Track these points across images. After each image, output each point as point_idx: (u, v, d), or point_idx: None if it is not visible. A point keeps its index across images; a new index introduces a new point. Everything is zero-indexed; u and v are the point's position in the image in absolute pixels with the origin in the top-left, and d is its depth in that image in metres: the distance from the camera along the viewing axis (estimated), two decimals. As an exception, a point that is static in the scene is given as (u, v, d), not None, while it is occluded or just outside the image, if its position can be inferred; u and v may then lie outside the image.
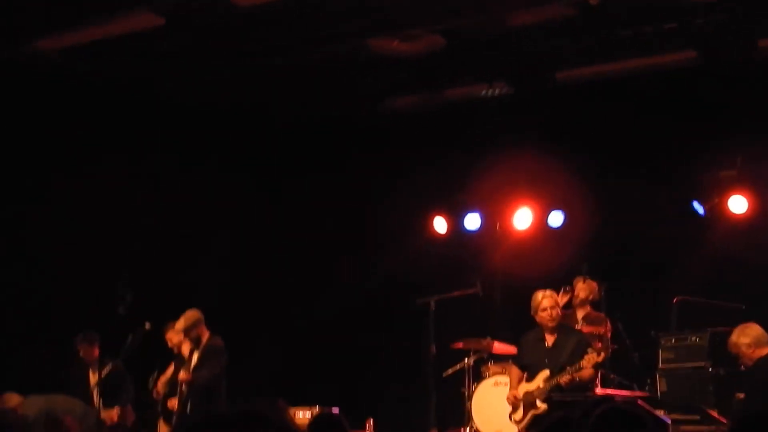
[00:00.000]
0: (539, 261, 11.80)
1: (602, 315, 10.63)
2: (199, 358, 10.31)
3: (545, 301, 9.81)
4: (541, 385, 9.66)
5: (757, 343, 8.96)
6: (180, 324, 10.36)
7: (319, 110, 12.86)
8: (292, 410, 10.23)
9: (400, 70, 12.00)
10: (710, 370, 10.18)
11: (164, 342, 10.97)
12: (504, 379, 10.74)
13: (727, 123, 11.05)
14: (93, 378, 10.91)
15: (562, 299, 10.73)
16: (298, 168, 13.35)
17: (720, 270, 11.06)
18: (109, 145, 11.89)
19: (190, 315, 10.36)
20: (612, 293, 10.77)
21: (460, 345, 11.57)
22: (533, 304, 9.87)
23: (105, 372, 10.57)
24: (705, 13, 10.34)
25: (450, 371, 11.67)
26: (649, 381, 10.64)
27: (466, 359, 11.48)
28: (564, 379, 9.50)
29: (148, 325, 10.41)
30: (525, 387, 9.85)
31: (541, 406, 9.58)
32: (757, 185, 11.21)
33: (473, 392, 11.19)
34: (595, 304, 10.96)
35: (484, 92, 12.16)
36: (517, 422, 9.86)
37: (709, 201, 11.43)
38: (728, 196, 11.29)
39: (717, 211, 11.41)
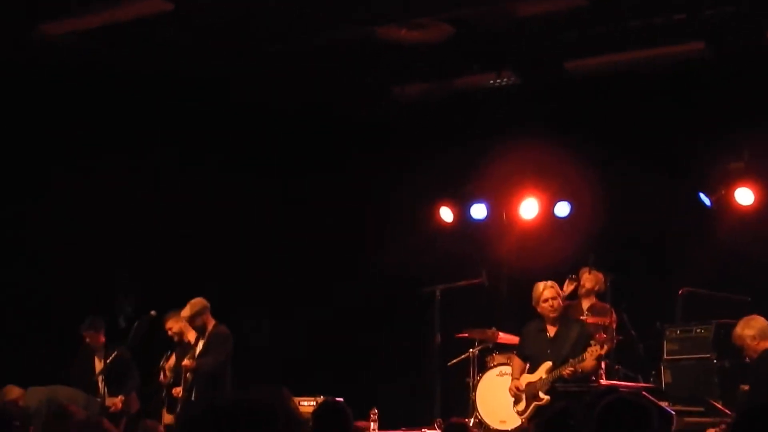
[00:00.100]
0: (545, 252, 11.79)
1: (607, 306, 10.63)
2: (204, 345, 10.31)
3: (546, 292, 9.80)
4: (544, 376, 9.67)
5: (762, 336, 8.95)
6: (186, 311, 10.35)
7: (327, 99, 12.81)
8: (296, 400, 10.22)
9: (408, 59, 11.97)
10: (715, 361, 10.18)
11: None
12: (509, 369, 10.75)
13: (734, 115, 11.00)
14: (99, 365, 10.90)
15: (568, 288, 10.74)
16: (303, 158, 13.29)
17: (726, 262, 11.05)
18: (109, 143, 11.85)
19: (196, 302, 10.35)
20: (618, 284, 10.78)
21: (465, 335, 11.58)
22: (534, 295, 9.86)
23: (111, 359, 10.59)
24: (713, 5, 10.33)
25: (455, 361, 11.69)
26: (654, 372, 10.65)
27: (471, 349, 11.50)
28: (567, 370, 9.50)
29: (153, 313, 10.44)
30: (527, 378, 9.85)
31: (544, 397, 9.59)
32: (764, 177, 11.18)
33: (478, 382, 11.21)
34: (600, 295, 10.95)
35: (491, 82, 12.14)
36: (520, 413, 9.87)
37: (715, 193, 11.40)
38: (735, 188, 11.27)
39: (723, 203, 11.39)
